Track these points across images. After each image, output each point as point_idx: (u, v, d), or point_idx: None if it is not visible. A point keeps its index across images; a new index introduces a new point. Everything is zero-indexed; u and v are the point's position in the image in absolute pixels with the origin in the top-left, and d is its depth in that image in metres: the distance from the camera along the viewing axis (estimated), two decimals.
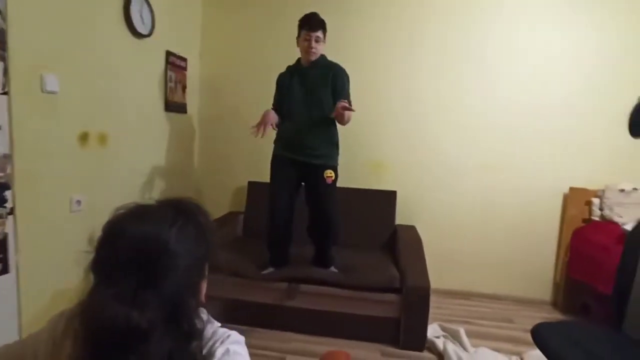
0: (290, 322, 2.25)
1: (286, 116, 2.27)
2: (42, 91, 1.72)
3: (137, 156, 2.46)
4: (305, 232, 2.37)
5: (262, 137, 2.08)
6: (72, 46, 1.88)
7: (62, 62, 1.82)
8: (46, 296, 1.80)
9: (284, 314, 2.24)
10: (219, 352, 0.63)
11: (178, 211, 0.65)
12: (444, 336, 2.24)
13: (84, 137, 1.99)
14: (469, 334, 2.24)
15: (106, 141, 2.16)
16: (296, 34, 2.24)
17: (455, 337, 2.22)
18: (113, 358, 0.53)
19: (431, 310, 2.16)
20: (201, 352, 0.61)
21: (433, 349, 2.15)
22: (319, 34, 2.16)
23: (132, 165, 2.42)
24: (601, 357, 1.32)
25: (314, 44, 2.16)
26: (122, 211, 0.63)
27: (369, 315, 2.20)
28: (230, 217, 3.07)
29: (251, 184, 3.05)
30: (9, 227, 1.57)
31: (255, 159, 3.14)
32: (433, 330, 2.27)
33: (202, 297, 0.68)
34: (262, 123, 2.10)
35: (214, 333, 0.66)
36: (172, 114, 2.83)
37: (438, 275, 2.39)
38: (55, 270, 1.84)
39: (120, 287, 0.55)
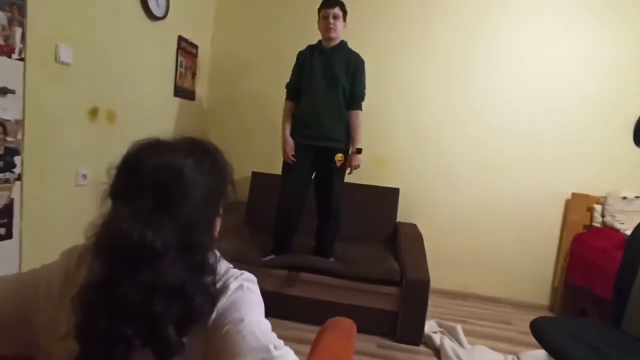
0: (289, 311, 2.24)
1: (304, 93, 2.30)
2: (56, 61, 1.73)
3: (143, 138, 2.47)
4: (310, 222, 2.37)
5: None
6: (87, 20, 1.89)
7: (77, 35, 1.83)
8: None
9: (283, 302, 2.23)
10: (232, 285, 0.64)
11: (195, 145, 0.66)
12: (440, 332, 2.24)
13: (93, 112, 2.00)
14: (466, 333, 2.24)
15: (115, 119, 2.16)
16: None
17: (452, 333, 2.21)
18: (126, 275, 0.54)
19: (428, 309, 2.16)
20: (214, 285, 0.62)
21: (430, 343, 2.15)
22: (337, 10, 2.19)
23: None
24: (601, 350, 1.32)
25: (331, 20, 2.19)
26: (140, 143, 0.64)
27: (367, 307, 2.19)
28: (232, 206, 3.06)
29: (255, 175, 3.05)
30: (15, 193, 1.57)
31: (260, 150, 3.16)
32: (430, 326, 2.27)
33: (216, 234, 0.69)
34: (287, 154, 2.30)
35: (227, 270, 0.67)
36: (180, 100, 2.85)
37: (436, 275, 2.39)
38: (58, 241, 1.82)
39: (136, 207, 0.56)
